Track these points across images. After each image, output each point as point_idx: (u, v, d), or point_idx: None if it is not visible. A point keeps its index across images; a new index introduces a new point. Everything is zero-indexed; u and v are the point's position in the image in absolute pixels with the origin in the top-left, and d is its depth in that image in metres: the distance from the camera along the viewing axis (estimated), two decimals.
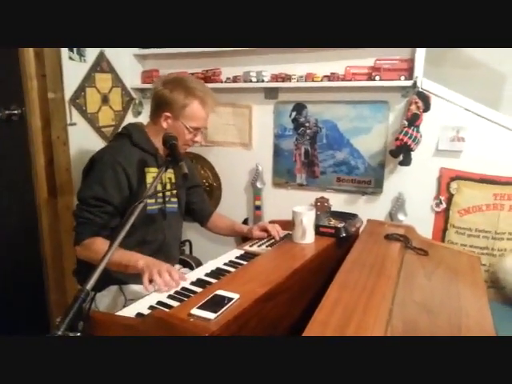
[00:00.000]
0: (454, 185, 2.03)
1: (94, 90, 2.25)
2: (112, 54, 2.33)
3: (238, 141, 2.45)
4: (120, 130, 1.75)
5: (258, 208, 2.41)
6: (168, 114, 1.56)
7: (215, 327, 0.93)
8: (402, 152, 1.96)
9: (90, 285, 0.93)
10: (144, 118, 2.49)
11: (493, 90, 2.40)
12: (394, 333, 0.97)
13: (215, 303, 1.03)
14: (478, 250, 2.01)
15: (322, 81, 2.14)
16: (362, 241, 1.59)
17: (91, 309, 0.95)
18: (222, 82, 2.37)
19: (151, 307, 1.11)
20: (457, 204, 2.03)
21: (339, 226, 1.64)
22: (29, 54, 1.92)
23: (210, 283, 1.25)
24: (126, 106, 2.49)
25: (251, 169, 2.43)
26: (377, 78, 2.00)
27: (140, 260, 1.32)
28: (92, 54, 2.21)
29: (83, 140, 2.18)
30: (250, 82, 2.27)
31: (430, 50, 1.95)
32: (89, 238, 1.45)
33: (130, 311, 1.10)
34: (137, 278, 1.30)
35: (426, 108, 1.94)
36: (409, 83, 1.96)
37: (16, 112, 1.93)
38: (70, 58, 2.08)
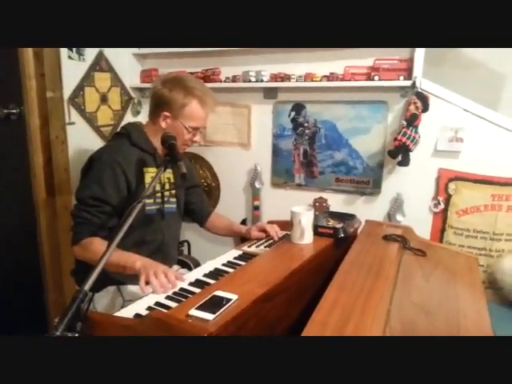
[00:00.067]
0: (452, 185, 2.03)
1: (92, 89, 2.24)
2: (111, 53, 2.32)
3: (237, 141, 2.45)
4: (119, 129, 1.74)
5: (256, 208, 2.41)
6: (167, 113, 1.56)
7: (213, 328, 0.93)
8: (400, 152, 1.96)
9: (88, 285, 0.93)
10: (143, 118, 2.49)
11: (492, 90, 2.40)
12: (392, 333, 0.97)
13: (214, 304, 1.03)
14: (476, 250, 2.01)
15: (321, 81, 2.14)
16: (360, 241, 1.59)
17: (89, 309, 0.94)
18: (221, 82, 2.37)
19: (149, 308, 1.11)
20: (455, 205, 2.04)
21: (338, 226, 1.65)
22: (28, 53, 1.92)
23: (208, 284, 1.25)
24: (124, 106, 2.49)
25: (250, 169, 2.43)
26: (376, 78, 2.00)
27: (137, 261, 1.32)
28: (91, 53, 2.21)
29: (82, 139, 2.18)
30: (249, 81, 2.26)
31: (429, 50, 1.95)
32: (86, 238, 1.45)
33: (128, 312, 1.10)
34: (135, 278, 1.30)
35: (425, 108, 1.94)
36: (408, 83, 1.96)
37: (15, 111, 1.93)
38: (69, 57, 2.08)
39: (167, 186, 1.65)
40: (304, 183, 2.35)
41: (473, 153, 1.98)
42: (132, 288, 1.50)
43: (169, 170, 1.65)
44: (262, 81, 2.25)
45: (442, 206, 2.06)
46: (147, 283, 1.22)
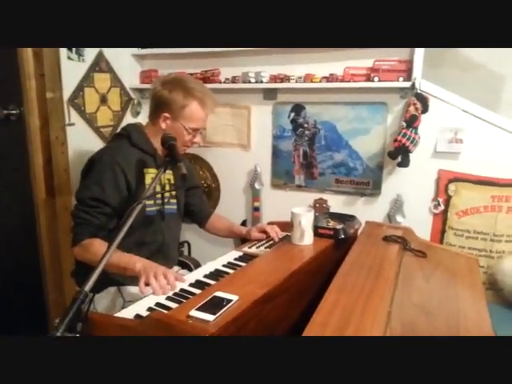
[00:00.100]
0: (452, 186, 2.03)
1: (92, 89, 2.24)
2: (111, 53, 2.32)
3: (237, 142, 2.45)
4: (119, 130, 1.74)
5: (256, 209, 2.41)
6: (167, 114, 1.56)
7: (214, 329, 0.93)
8: (400, 153, 1.96)
9: (88, 286, 0.93)
10: (143, 119, 2.49)
11: (491, 91, 2.40)
12: (393, 334, 0.97)
13: (214, 305, 1.03)
14: (476, 251, 2.01)
15: (320, 82, 2.14)
16: (360, 242, 1.59)
17: (89, 310, 0.94)
18: (220, 83, 2.37)
19: (150, 309, 1.11)
20: (455, 206, 2.04)
21: (338, 227, 1.65)
22: (27, 53, 1.92)
23: (208, 285, 1.25)
24: (124, 106, 2.49)
25: (250, 170, 2.43)
26: (375, 79, 2.00)
27: (137, 263, 1.32)
28: (91, 53, 2.21)
29: (81, 140, 2.18)
30: (249, 82, 2.26)
31: (428, 52, 1.95)
32: (86, 238, 1.44)
33: (128, 313, 1.10)
34: (135, 279, 1.30)
35: (425, 109, 1.95)
36: (407, 84, 1.96)
37: (14, 112, 1.93)
38: (69, 57, 2.08)
39: (167, 187, 1.65)
40: (304, 184, 2.35)
41: (472, 154, 1.98)
42: (132, 289, 1.50)
43: (169, 171, 1.65)
44: (261, 82, 2.25)
45: (442, 207, 2.06)
46: (147, 285, 1.22)
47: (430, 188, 2.08)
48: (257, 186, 2.39)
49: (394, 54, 1.97)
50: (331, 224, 1.71)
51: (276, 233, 1.64)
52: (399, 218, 2.12)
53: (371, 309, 1.05)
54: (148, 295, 1.19)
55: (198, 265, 1.96)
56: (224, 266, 1.43)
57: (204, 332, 0.92)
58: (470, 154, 1.98)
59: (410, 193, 2.11)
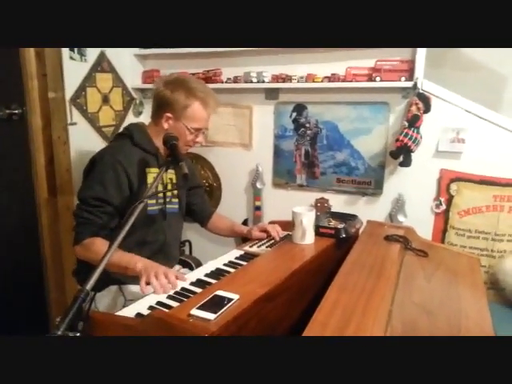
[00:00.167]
0: (453, 186, 2.03)
1: (94, 89, 2.25)
2: (113, 53, 2.33)
3: (239, 141, 2.45)
4: (121, 130, 1.75)
5: (257, 208, 2.41)
6: (169, 114, 1.56)
7: (215, 328, 0.93)
8: (402, 153, 1.96)
9: (89, 285, 0.93)
10: (145, 118, 2.49)
11: (493, 91, 2.40)
12: (394, 334, 0.97)
13: (215, 304, 1.03)
14: (478, 251, 2.00)
15: (322, 81, 2.14)
16: (361, 242, 1.59)
17: (91, 309, 0.94)
18: (222, 83, 2.37)
19: (151, 307, 1.11)
20: (457, 205, 2.04)
21: (339, 226, 1.65)
22: (30, 53, 1.92)
23: (209, 284, 1.25)
24: (126, 106, 2.49)
25: (251, 169, 2.43)
26: (377, 79, 2.00)
27: (138, 262, 1.32)
28: (93, 53, 2.21)
29: (83, 140, 2.18)
30: (251, 82, 2.27)
31: (430, 52, 1.95)
32: (88, 238, 1.45)
33: (129, 311, 1.10)
34: (136, 278, 1.30)
35: (427, 109, 1.94)
36: (409, 84, 1.96)
37: (16, 111, 1.94)
38: (71, 57, 2.08)
39: (169, 187, 1.65)
40: (305, 184, 2.35)
41: (474, 154, 1.97)
42: (133, 287, 1.50)
43: (171, 171, 1.65)
44: (263, 82, 2.25)
45: (444, 206, 2.06)
46: (147, 284, 1.23)
47: (431, 187, 2.08)
48: (258, 185, 2.40)
49: (395, 53, 1.97)
50: (332, 223, 1.71)
51: (277, 232, 1.65)
52: (401, 218, 2.12)
53: (372, 308, 1.05)
54: (149, 294, 1.19)
55: (199, 264, 1.97)
56: (225, 265, 1.43)
57: (205, 331, 0.92)
58: (472, 153, 1.98)
59: (411, 192, 2.11)
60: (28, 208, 2.05)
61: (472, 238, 2.02)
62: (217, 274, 1.35)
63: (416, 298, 1.20)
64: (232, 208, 2.49)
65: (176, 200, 1.69)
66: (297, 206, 1.58)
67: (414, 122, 1.93)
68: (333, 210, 2.23)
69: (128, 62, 2.48)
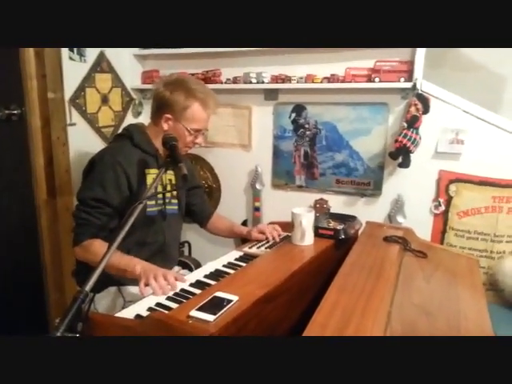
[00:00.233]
0: (453, 187, 2.03)
1: (93, 90, 2.25)
2: (112, 54, 2.33)
3: (238, 142, 2.45)
4: (121, 130, 1.75)
5: (257, 209, 2.41)
6: (169, 115, 1.56)
7: (214, 329, 0.93)
8: (401, 154, 1.96)
9: (88, 286, 0.93)
10: (144, 119, 2.49)
11: (492, 92, 2.40)
12: (393, 335, 0.97)
13: (214, 305, 1.03)
14: (477, 252, 2.01)
15: (321, 82, 2.14)
16: (360, 243, 1.59)
17: (90, 310, 0.94)
18: (221, 83, 2.37)
19: (150, 309, 1.11)
20: (456, 206, 2.04)
21: (338, 227, 1.65)
22: (29, 53, 1.92)
23: (209, 285, 1.25)
24: (125, 107, 2.49)
25: (250, 170, 2.43)
26: (376, 79, 2.00)
27: (137, 265, 1.32)
28: (92, 54, 2.21)
29: (83, 140, 2.18)
30: (250, 83, 2.27)
31: (429, 52, 1.95)
32: (88, 239, 1.44)
33: (128, 313, 1.10)
34: (135, 279, 1.30)
35: (426, 110, 1.94)
36: (408, 85, 1.96)
37: (16, 112, 1.93)
38: (70, 58, 2.08)
39: (169, 188, 1.65)
40: (305, 184, 2.35)
41: (473, 154, 1.98)
42: (133, 289, 1.50)
43: (170, 172, 1.65)
44: (262, 82, 2.25)
45: (443, 207, 2.06)
46: (146, 285, 1.22)
47: (430, 188, 2.08)
48: (257, 186, 2.40)
49: (395, 54, 1.98)
50: (332, 224, 1.71)
51: (276, 232, 1.65)
52: (400, 219, 2.12)
53: (371, 309, 1.05)
54: (148, 295, 1.19)
55: (198, 265, 1.97)
56: (224, 266, 1.43)
57: (204, 332, 0.92)
58: (471, 154, 1.98)
59: (410, 193, 2.11)
60: (27, 209, 2.04)
61: (471, 239, 2.02)
62: (216, 275, 1.35)
63: (415, 299, 1.20)
64: (231, 209, 2.49)
65: (175, 201, 1.69)
66: (296, 207, 1.58)
67: (413, 122, 1.93)
68: (332, 210, 2.22)
69: (127, 62, 2.48)
